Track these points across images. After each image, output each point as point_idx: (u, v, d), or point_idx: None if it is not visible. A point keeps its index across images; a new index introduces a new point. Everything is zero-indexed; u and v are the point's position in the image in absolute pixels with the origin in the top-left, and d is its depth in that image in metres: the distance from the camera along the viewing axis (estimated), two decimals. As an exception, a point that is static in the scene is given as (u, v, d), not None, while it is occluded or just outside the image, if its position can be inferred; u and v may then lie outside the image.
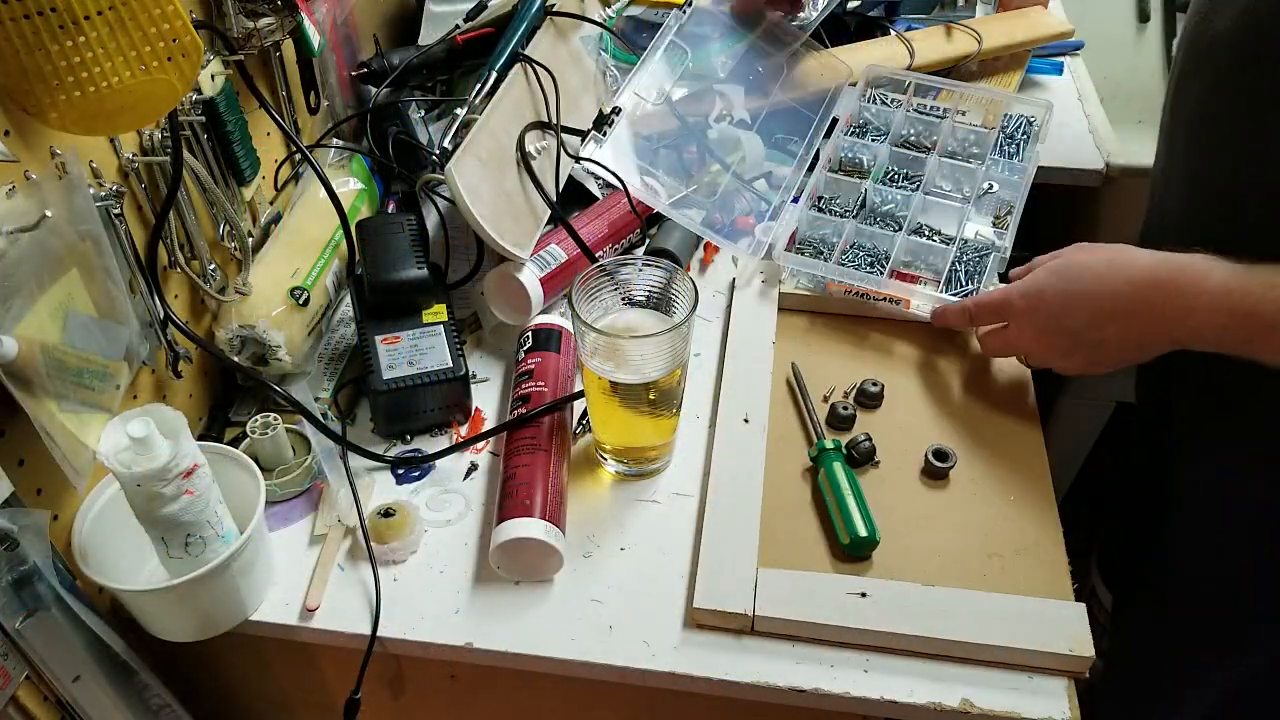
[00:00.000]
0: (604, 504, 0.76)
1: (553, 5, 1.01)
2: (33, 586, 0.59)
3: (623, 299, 0.74)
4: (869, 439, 0.77)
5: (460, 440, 0.81)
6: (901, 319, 0.89)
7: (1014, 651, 0.65)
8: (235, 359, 0.80)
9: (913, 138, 1.02)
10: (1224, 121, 0.73)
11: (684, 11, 0.98)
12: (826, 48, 1.16)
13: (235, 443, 0.75)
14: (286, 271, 0.84)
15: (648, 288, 0.74)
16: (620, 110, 0.92)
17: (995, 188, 0.96)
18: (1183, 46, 0.77)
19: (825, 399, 0.83)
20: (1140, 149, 1.14)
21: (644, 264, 0.73)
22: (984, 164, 0.96)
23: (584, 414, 0.80)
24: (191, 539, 0.63)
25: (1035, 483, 0.76)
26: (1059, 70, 1.22)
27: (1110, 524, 1.07)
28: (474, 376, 0.85)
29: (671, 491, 0.77)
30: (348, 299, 0.89)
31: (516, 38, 0.96)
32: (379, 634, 0.68)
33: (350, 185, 0.94)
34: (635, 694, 0.70)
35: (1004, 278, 0.78)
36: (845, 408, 0.80)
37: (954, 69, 1.16)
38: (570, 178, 0.99)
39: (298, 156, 0.90)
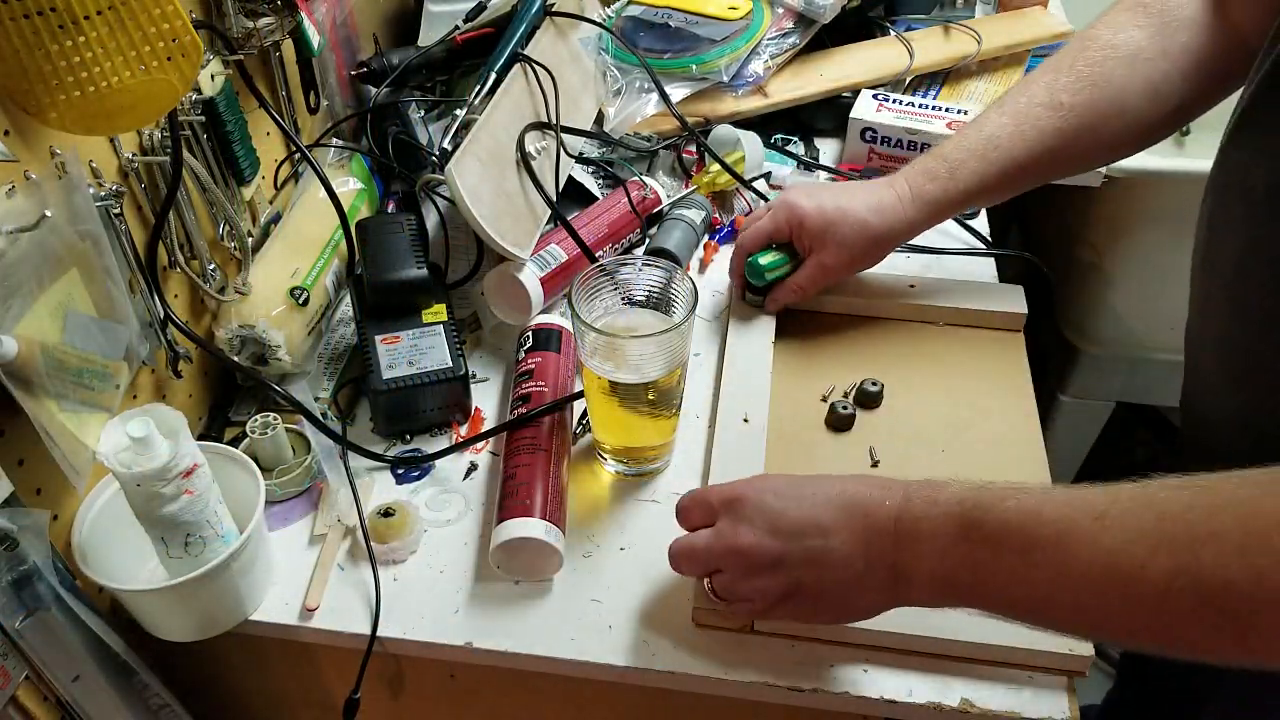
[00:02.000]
0: (604, 504, 0.76)
1: (553, 5, 1.01)
2: (33, 586, 0.59)
3: (622, 299, 0.74)
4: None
5: (460, 440, 0.81)
6: (901, 319, 0.89)
7: (1014, 651, 0.65)
8: (235, 359, 0.80)
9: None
10: (1264, 284, 0.64)
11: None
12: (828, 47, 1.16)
13: (235, 443, 0.75)
14: (286, 271, 0.84)
15: (647, 287, 0.74)
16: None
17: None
18: (1211, 192, 0.69)
19: (825, 399, 0.83)
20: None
21: (644, 264, 0.73)
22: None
23: (584, 414, 0.80)
24: (191, 539, 0.63)
25: (1035, 483, 0.76)
26: (1059, 70, 1.22)
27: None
28: (474, 376, 0.85)
29: (671, 491, 0.77)
30: (348, 299, 0.89)
31: (516, 38, 0.96)
32: (379, 634, 0.68)
33: (350, 185, 0.94)
34: (635, 694, 0.70)
35: None
36: (845, 407, 0.80)
37: (954, 69, 1.16)
38: (570, 178, 0.99)
39: (297, 156, 0.90)
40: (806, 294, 0.86)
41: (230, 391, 0.85)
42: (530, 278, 0.86)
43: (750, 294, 0.89)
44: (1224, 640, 0.46)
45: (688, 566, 0.65)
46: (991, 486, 0.55)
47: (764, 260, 0.85)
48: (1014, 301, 0.88)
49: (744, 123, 1.07)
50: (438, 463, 0.80)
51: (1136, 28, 0.78)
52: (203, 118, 0.74)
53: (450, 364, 0.80)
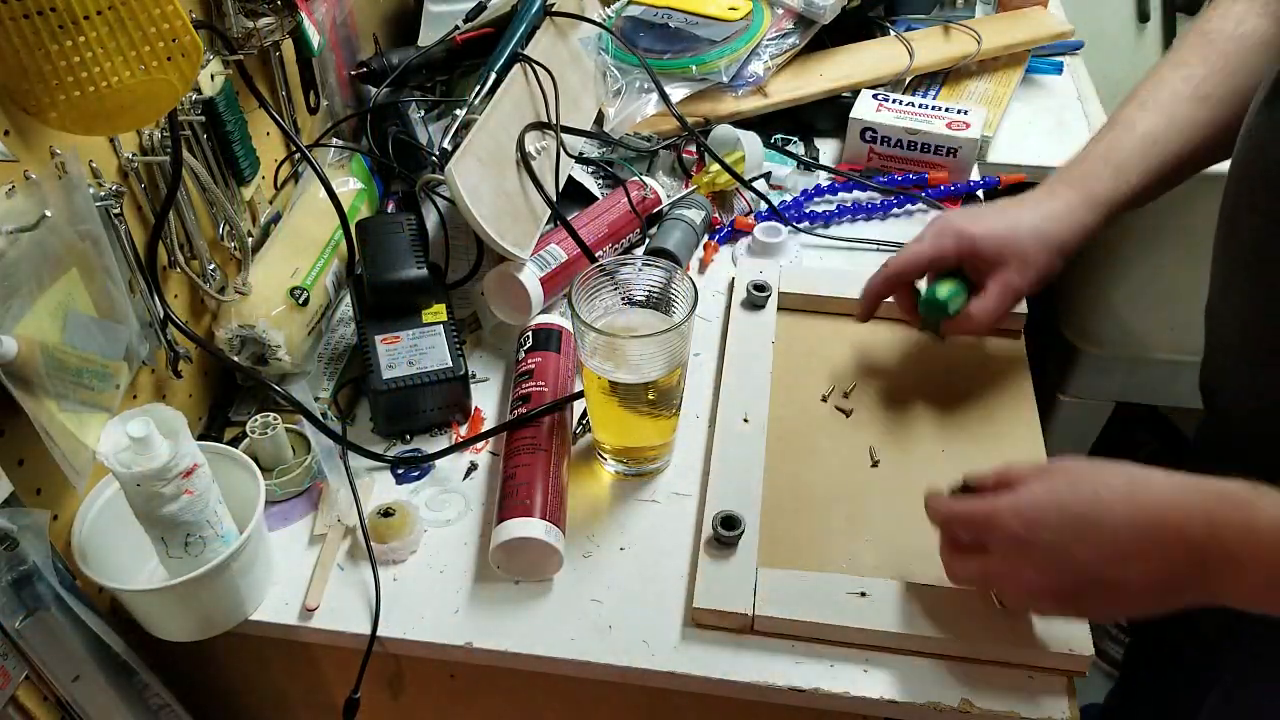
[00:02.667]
0: (604, 504, 0.76)
1: (553, 5, 1.01)
2: (32, 586, 0.59)
3: (622, 299, 0.74)
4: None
5: (460, 440, 0.81)
6: (901, 319, 0.89)
7: (1014, 651, 0.65)
8: (235, 359, 0.80)
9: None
10: None
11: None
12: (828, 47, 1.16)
13: (235, 442, 0.75)
14: (286, 271, 0.84)
15: (647, 287, 0.74)
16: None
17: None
18: (1235, 175, 0.68)
19: (825, 399, 0.83)
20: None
21: (644, 264, 0.73)
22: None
23: (584, 414, 0.80)
24: (191, 539, 0.63)
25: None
26: (1059, 70, 1.22)
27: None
28: (474, 376, 0.85)
29: (671, 491, 0.77)
30: (348, 299, 0.89)
31: (516, 38, 0.96)
32: (379, 634, 0.68)
33: (350, 185, 0.94)
34: (635, 694, 0.70)
35: (964, 488, 0.64)
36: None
37: (954, 69, 1.16)
38: (570, 178, 0.99)
39: (297, 156, 0.90)
40: (995, 320, 0.77)
41: (230, 391, 0.85)
42: (530, 278, 0.86)
43: (925, 327, 0.83)
44: None
45: (969, 583, 0.64)
46: None
47: (943, 293, 0.77)
48: (1014, 301, 0.88)
49: (744, 123, 1.07)
50: (438, 463, 0.80)
51: (1258, 16, 0.76)
52: (203, 118, 0.74)
53: (450, 364, 0.80)
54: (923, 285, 0.81)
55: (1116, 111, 0.80)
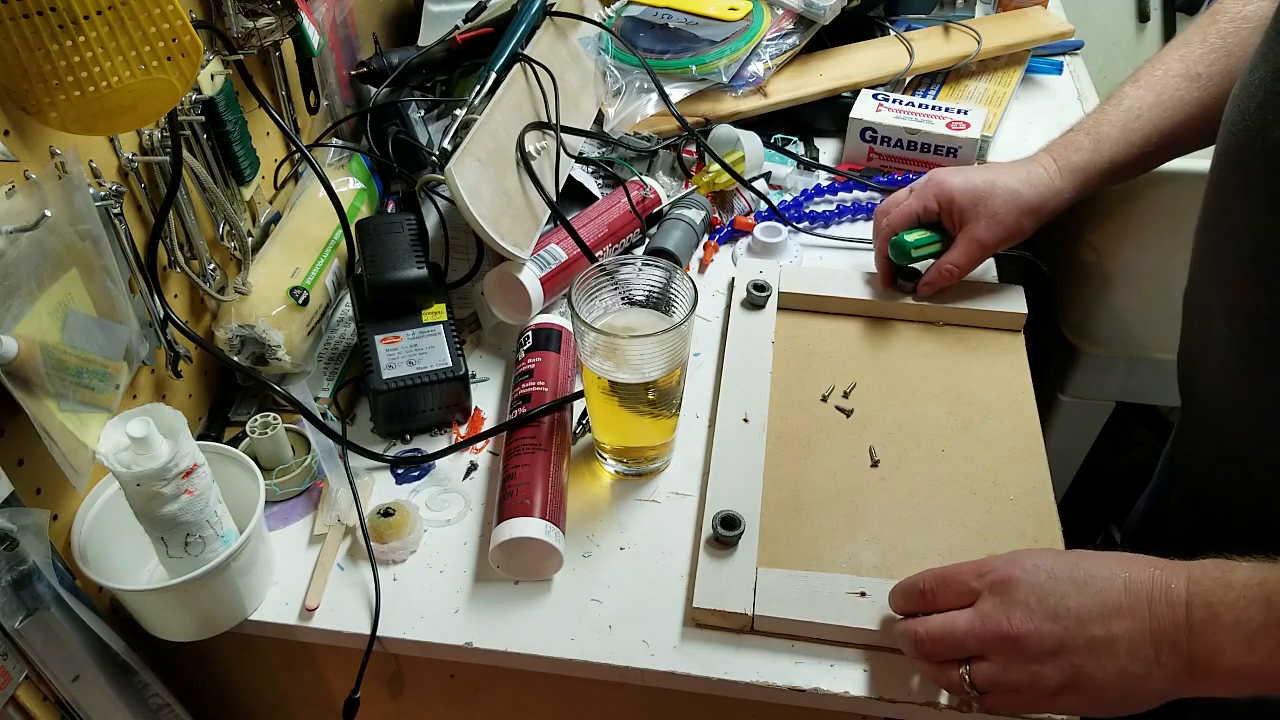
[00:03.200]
0: (604, 504, 0.76)
1: (553, 5, 1.01)
2: (32, 586, 0.59)
3: (622, 299, 0.74)
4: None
5: (460, 440, 0.81)
6: (902, 319, 0.89)
7: (1014, 651, 0.64)
8: (235, 359, 0.80)
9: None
10: None
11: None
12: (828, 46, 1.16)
13: (235, 442, 0.75)
14: (286, 271, 0.84)
15: (647, 287, 0.74)
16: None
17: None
18: (1226, 158, 0.66)
19: (825, 399, 0.83)
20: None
21: (644, 264, 0.73)
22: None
23: (584, 414, 0.80)
24: (191, 539, 0.63)
25: (1035, 483, 0.76)
26: (1058, 70, 1.22)
27: (1110, 523, 1.07)
28: (474, 376, 0.85)
29: (671, 491, 0.77)
30: (347, 299, 0.89)
31: (516, 38, 0.96)
32: (379, 634, 0.68)
33: (350, 185, 0.94)
34: (635, 694, 0.70)
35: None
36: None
37: (954, 69, 1.16)
38: (570, 178, 0.99)
39: (297, 156, 0.90)
40: (962, 272, 0.85)
41: (230, 391, 0.85)
42: (530, 278, 0.86)
43: (901, 279, 0.88)
44: None
45: (944, 650, 0.58)
46: None
47: (910, 238, 0.84)
48: (1014, 301, 0.88)
49: (744, 123, 1.07)
50: (438, 463, 0.80)
51: None
52: (203, 118, 0.74)
53: (450, 364, 0.80)
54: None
55: (1120, 86, 0.83)
